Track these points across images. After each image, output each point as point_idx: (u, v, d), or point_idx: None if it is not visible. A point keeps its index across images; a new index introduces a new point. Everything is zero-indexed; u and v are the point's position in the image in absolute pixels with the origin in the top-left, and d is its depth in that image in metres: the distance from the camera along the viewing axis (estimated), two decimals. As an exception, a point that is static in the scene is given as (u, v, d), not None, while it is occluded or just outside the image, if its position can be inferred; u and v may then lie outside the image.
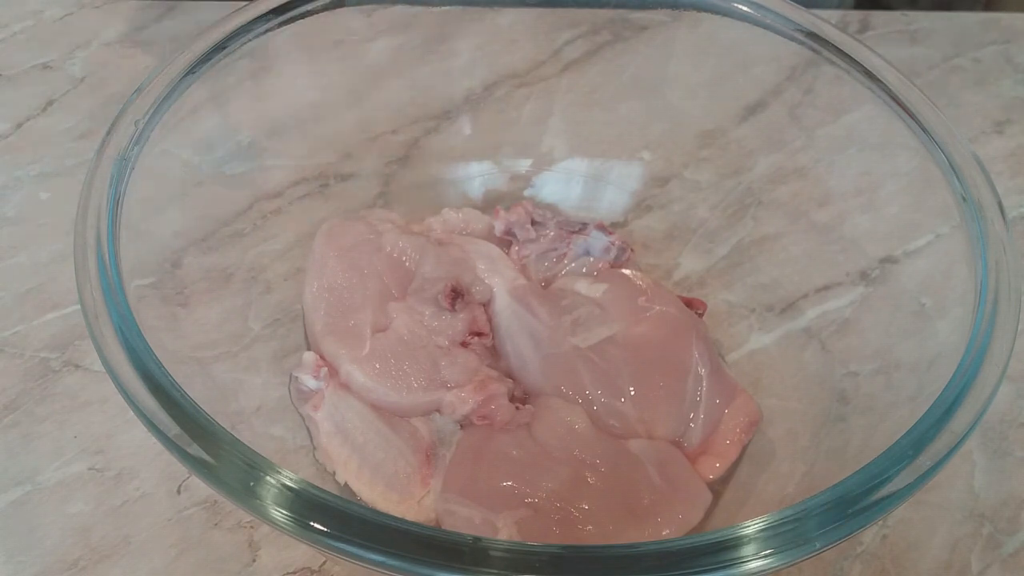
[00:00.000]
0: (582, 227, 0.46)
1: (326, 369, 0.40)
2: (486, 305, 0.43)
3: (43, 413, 0.42)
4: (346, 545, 0.25)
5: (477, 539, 0.25)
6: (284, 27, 0.41)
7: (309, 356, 0.40)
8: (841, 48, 0.41)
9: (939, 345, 0.35)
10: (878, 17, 0.65)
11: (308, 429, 0.39)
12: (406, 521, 0.25)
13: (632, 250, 0.47)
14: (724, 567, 0.25)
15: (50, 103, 0.55)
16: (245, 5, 0.40)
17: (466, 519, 0.35)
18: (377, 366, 0.39)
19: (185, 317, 0.38)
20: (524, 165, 0.50)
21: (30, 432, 0.41)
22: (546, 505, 0.35)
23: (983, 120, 0.59)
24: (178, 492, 0.39)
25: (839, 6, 0.68)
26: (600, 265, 0.46)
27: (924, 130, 0.38)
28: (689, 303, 0.44)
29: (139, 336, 0.29)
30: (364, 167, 0.49)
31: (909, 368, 0.37)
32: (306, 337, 0.42)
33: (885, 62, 0.40)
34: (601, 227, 0.46)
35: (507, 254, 0.46)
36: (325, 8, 0.42)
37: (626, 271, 0.46)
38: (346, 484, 0.37)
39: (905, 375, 0.37)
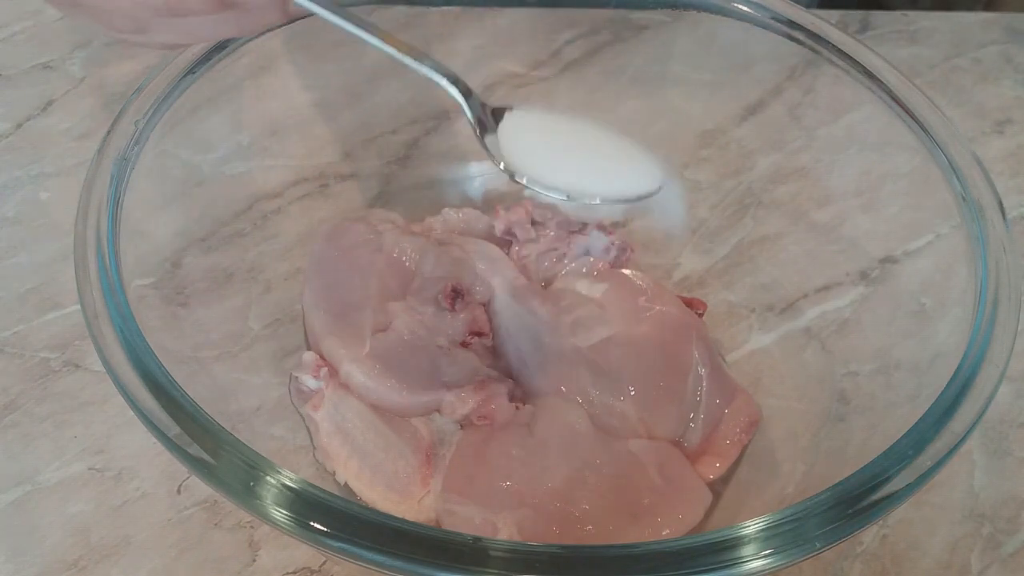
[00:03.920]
0: (582, 227, 0.46)
1: (326, 369, 0.40)
2: (486, 305, 0.43)
3: (43, 413, 0.42)
4: (346, 545, 0.25)
5: (477, 539, 0.25)
6: (284, 27, 0.41)
7: (309, 356, 0.40)
8: (841, 48, 0.41)
9: (939, 345, 0.35)
10: (878, 17, 0.65)
11: (308, 429, 0.39)
12: (406, 521, 0.25)
13: (632, 250, 0.47)
14: (724, 567, 0.25)
15: (50, 103, 0.55)
16: (245, 5, 0.40)
17: (466, 519, 0.35)
18: (377, 366, 0.39)
19: (185, 317, 0.38)
20: (524, 165, 0.50)
21: (30, 432, 0.41)
22: (546, 505, 0.35)
23: (983, 120, 0.59)
24: (178, 492, 0.39)
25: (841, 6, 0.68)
26: (600, 265, 0.46)
27: (924, 130, 0.38)
28: (689, 303, 0.44)
29: (139, 336, 0.29)
30: (364, 167, 0.49)
31: (909, 368, 0.37)
32: (306, 337, 0.42)
33: (885, 62, 0.40)
34: (601, 227, 0.46)
35: (507, 254, 0.46)
36: (325, 8, 0.42)
37: (626, 271, 0.46)
38: (346, 484, 0.37)
39: (905, 375, 0.37)
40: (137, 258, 0.33)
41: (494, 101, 0.51)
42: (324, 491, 0.26)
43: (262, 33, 0.40)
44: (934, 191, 0.37)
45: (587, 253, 0.46)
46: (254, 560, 0.38)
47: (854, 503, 0.27)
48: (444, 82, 0.34)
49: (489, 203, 0.49)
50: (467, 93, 0.34)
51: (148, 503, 0.39)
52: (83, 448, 0.41)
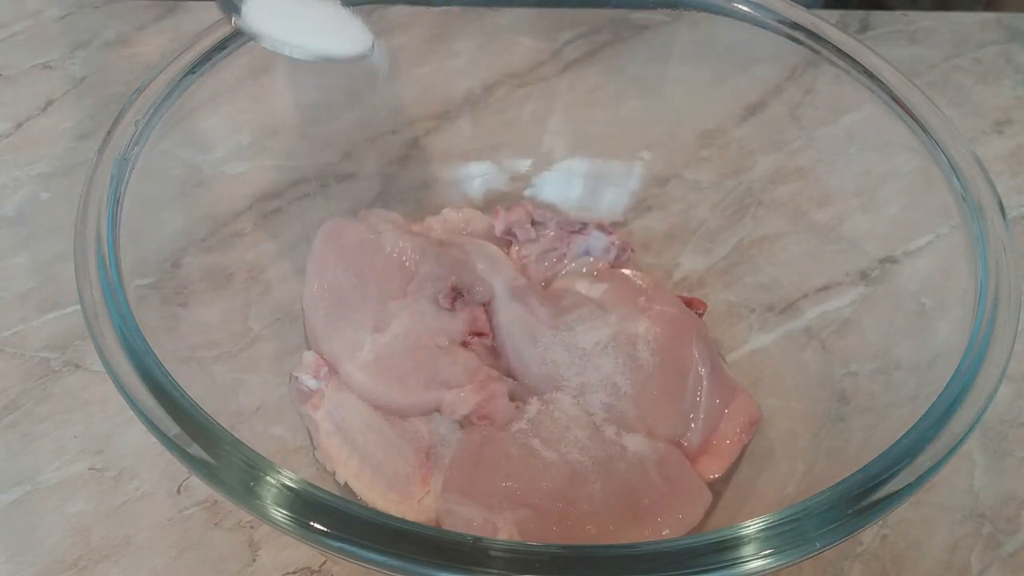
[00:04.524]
0: (582, 227, 0.46)
1: (326, 369, 0.40)
2: (486, 305, 0.43)
3: (43, 413, 0.42)
4: (346, 545, 0.25)
5: (477, 539, 0.25)
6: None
7: (309, 356, 0.40)
8: (841, 48, 0.41)
9: (939, 345, 0.35)
10: (878, 17, 0.65)
11: (308, 429, 0.39)
12: (406, 521, 0.25)
13: (632, 250, 0.47)
14: (724, 567, 0.25)
15: (50, 103, 0.55)
16: (245, 5, 0.40)
17: (466, 519, 0.35)
18: (377, 366, 0.39)
19: (185, 317, 0.38)
20: (524, 165, 0.50)
21: (30, 432, 0.41)
22: (546, 505, 0.35)
23: (983, 120, 0.59)
24: (178, 492, 0.39)
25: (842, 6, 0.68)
26: (600, 265, 0.46)
27: (924, 130, 0.38)
28: (689, 303, 0.44)
29: (139, 336, 0.29)
30: (364, 167, 0.49)
31: (909, 368, 0.37)
32: (306, 337, 0.42)
33: (885, 62, 0.40)
34: (601, 227, 0.46)
35: (507, 254, 0.46)
36: (325, 8, 0.42)
37: (626, 271, 0.46)
38: (346, 484, 0.37)
39: (905, 375, 0.37)
40: (137, 258, 0.33)
41: (494, 101, 0.51)
42: (324, 491, 0.26)
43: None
44: (934, 191, 0.37)
45: (587, 253, 0.46)
46: (254, 560, 0.38)
47: (854, 503, 0.27)
48: None
49: (489, 203, 0.49)
50: None
51: (148, 503, 0.39)
52: (83, 448, 0.41)
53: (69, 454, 0.40)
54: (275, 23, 0.37)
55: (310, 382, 0.39)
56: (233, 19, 0.36)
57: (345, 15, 0.39)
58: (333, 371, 0.40)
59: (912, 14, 0.65)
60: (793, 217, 0.46)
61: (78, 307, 0.30)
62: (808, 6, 0.43)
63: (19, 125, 0.54)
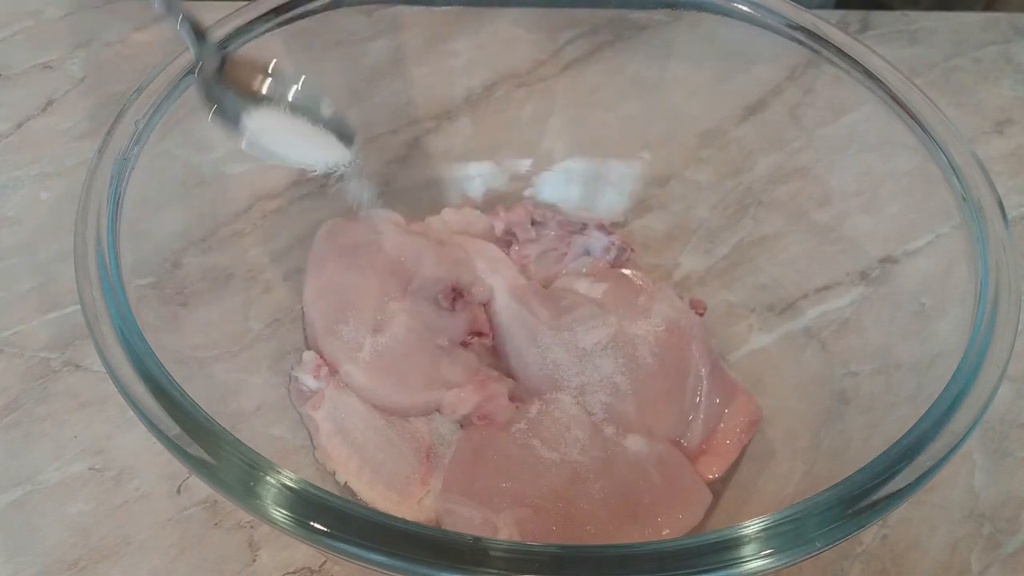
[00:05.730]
0: (582, 227, 0.46)
1: (326, 369, 0.40)
2: (486, 305, 0.43)
3: (43, 413, 0.42)
4: (346, 545, 0.25)
5: (477, 539, 0.25)
6: (284, 27, 0.41)
7: (309, 356, 0.40)
8: (841, 48, 0.41)
9: (939, 345, 0.35)
10: (878, 17, 0.65)
11: (308, 429, 0.39)
12: (406, 521, 0.25)
13: (632, 250, 0.47)
14: (724, 567, 0.25)
15: (50, 103, 0.55)
16: (245, 5, 0.40)
17: (466, 519, 0.35)
18: (377, 366, 0.39)
19: (185, 317, 0.38)
20: (524, 165, 0.50)
21: (30, 432, 0.41)
22: (546, 505, 0.35)
23: (983, 120, 0.59)
24: (178, 492, 0.39)
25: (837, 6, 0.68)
26: (600, 265, 0.46)
27: (924, 130, 0.38)
28: (689, 303, 0.44)
29: (139, 336, 0.29)
30: (364, 167, 0.49)
31: (909, 368, 0.37)
32: (306, 337, 0.42)
33: (885, 62, 0.40)
34: (601, 227, 0.46)
35: (507, 254, 0.46)
36: (325, 8, 0.42)
37: (626, 271, 0.46)
38: (346, 484, 0.37)
39: (905, 375, 0.37)
40: (137, 258, 0.33)
41: (494, 101, 0.51)
42: (324, 491, 0.26)
43: (262, 33, 0.40)
44: (934, 191, 0.37)
45: (587, 253, 0.46)
46: (254, 560, 0.38)
47: (854, 503, 0.27)
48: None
49: (489, 203, 0.49)
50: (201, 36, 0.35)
51: (148, 503, 0.39)
52: (83, 448, 0.41)
53: (69, 454, 0.40)
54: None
55: (310, 382, 0.39)
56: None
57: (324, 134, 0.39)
58: (333, 371, 0.40)
59: (912, 14, 0.65)
60: (793, 217, 0.46)
61: (78, 307, 0.30)
62: (808, 6, 0.43)
63: (19, 125, 0.54)
